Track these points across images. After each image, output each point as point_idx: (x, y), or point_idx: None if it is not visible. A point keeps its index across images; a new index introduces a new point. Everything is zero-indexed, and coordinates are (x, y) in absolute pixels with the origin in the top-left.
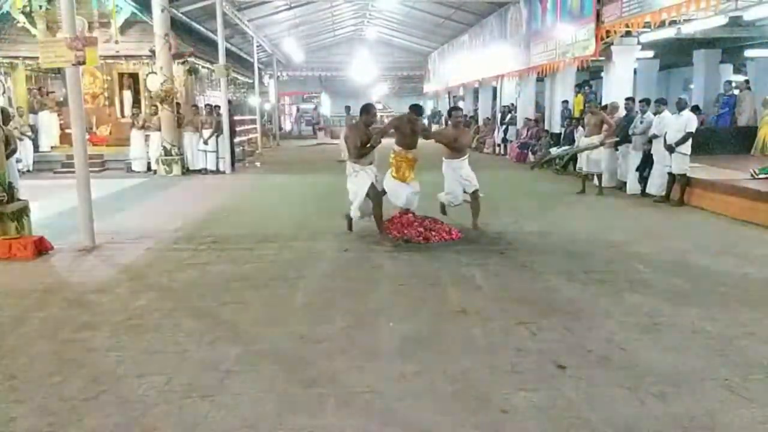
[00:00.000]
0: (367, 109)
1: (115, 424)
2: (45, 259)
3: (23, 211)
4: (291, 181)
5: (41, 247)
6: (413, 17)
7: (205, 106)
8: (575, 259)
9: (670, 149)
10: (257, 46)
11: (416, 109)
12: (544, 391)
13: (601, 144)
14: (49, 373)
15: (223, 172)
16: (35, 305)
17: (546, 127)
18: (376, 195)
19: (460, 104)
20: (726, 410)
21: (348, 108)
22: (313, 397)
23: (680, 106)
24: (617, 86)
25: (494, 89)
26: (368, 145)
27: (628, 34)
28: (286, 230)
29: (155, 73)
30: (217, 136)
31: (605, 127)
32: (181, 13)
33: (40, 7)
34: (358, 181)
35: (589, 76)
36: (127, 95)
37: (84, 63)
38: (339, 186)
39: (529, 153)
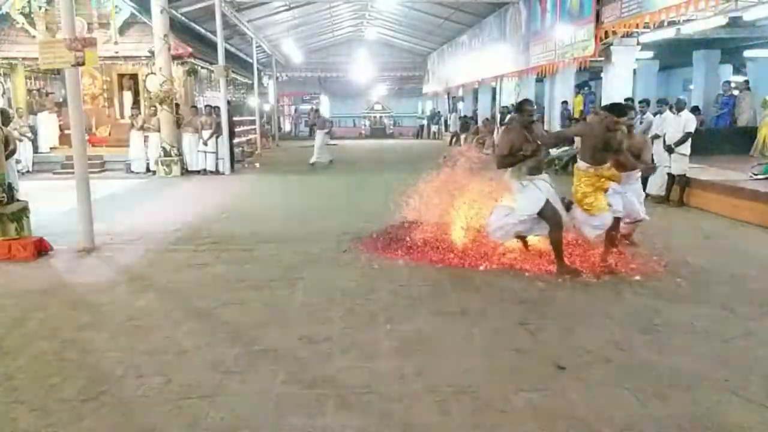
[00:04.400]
0: (522, 107)
1: (115, 425)
2: (44, 260)
3: (23, 212)
4: (290, 182)
5: (41, 248)
6: (412, 18)
7: (205, 106)
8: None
9: (669, 150)
10: (256, 47)
11: (618, 110)
12: (543, 391)
13: None
14: (49, 373)
15: (223, 173)
16: (35, 306)
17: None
18: (554, 215)
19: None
20: (726, 410)
21: (317, 111)
22: (312, 398)
23: (679, 107)
24: (617, 87)
25: (493, 90)
26: (522, 153)
27: (627, 34)
28: (285, 231)
29: (154, 73)
30: (217, 137)
31: None
32: (181, 14)
33: (40, 8)
34: (529, 196)
35: (589, 76)
36: (127, 96)
37: (83, 64)
38: (338, 187)
39: None
